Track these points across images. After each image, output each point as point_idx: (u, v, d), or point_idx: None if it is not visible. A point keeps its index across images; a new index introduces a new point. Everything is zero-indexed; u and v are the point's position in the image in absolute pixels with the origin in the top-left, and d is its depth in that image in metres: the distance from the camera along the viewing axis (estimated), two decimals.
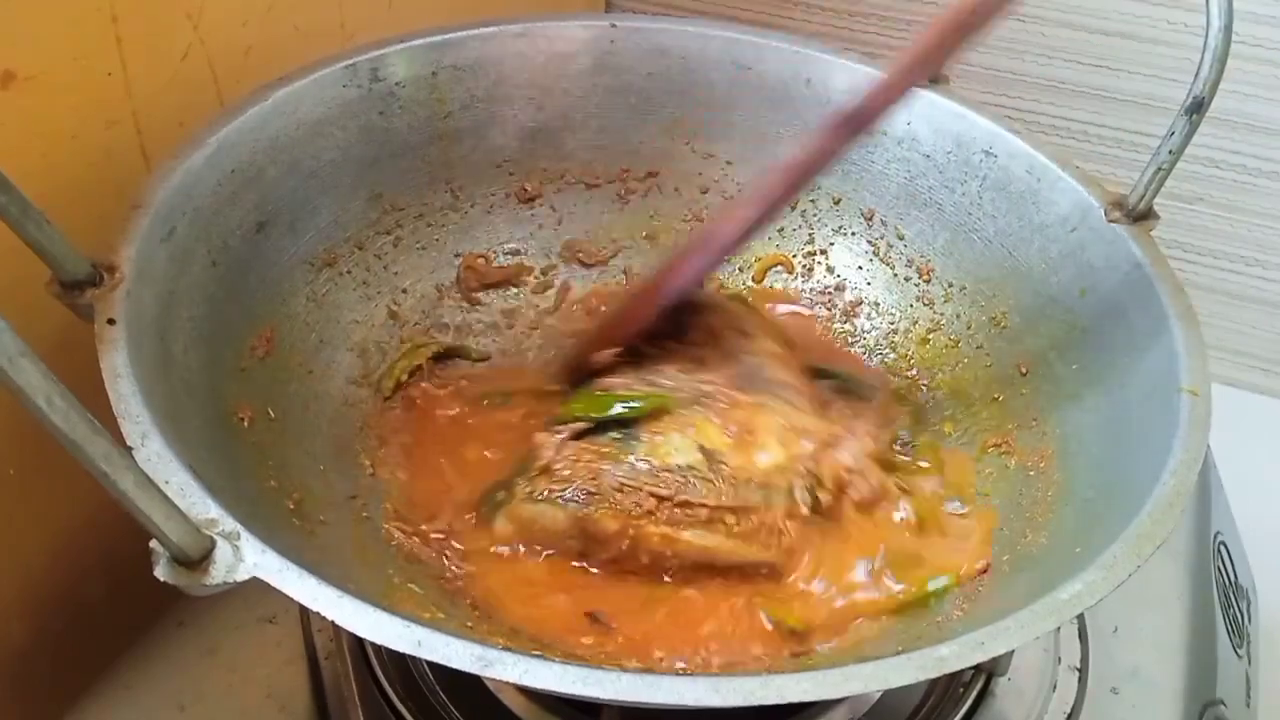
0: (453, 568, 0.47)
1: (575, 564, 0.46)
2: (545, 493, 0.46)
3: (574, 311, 0.60)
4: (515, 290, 0.60)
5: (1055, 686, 0.51)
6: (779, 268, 0.61)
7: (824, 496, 0.47)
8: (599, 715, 0.46)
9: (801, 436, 0.48)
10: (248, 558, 0.32)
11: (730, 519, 0.45)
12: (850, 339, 0.59)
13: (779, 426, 0.48)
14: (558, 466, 0.47)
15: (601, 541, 0.46)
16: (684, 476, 0.46)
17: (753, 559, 0.46)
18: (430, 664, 0.48)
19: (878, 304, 0.59)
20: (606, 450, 0.47)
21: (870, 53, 0.58)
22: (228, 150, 0.47)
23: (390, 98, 0.54)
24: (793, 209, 0.60)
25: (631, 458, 0.46)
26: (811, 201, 0.60)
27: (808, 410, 0.50)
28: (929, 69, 0.49)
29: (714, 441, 0.47)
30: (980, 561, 0.46)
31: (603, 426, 0.48)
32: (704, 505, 0.45)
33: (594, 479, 0.46)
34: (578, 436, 0.48)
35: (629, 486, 0.45)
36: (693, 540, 0.45)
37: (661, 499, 0.45)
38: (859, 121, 0.48)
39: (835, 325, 0.60)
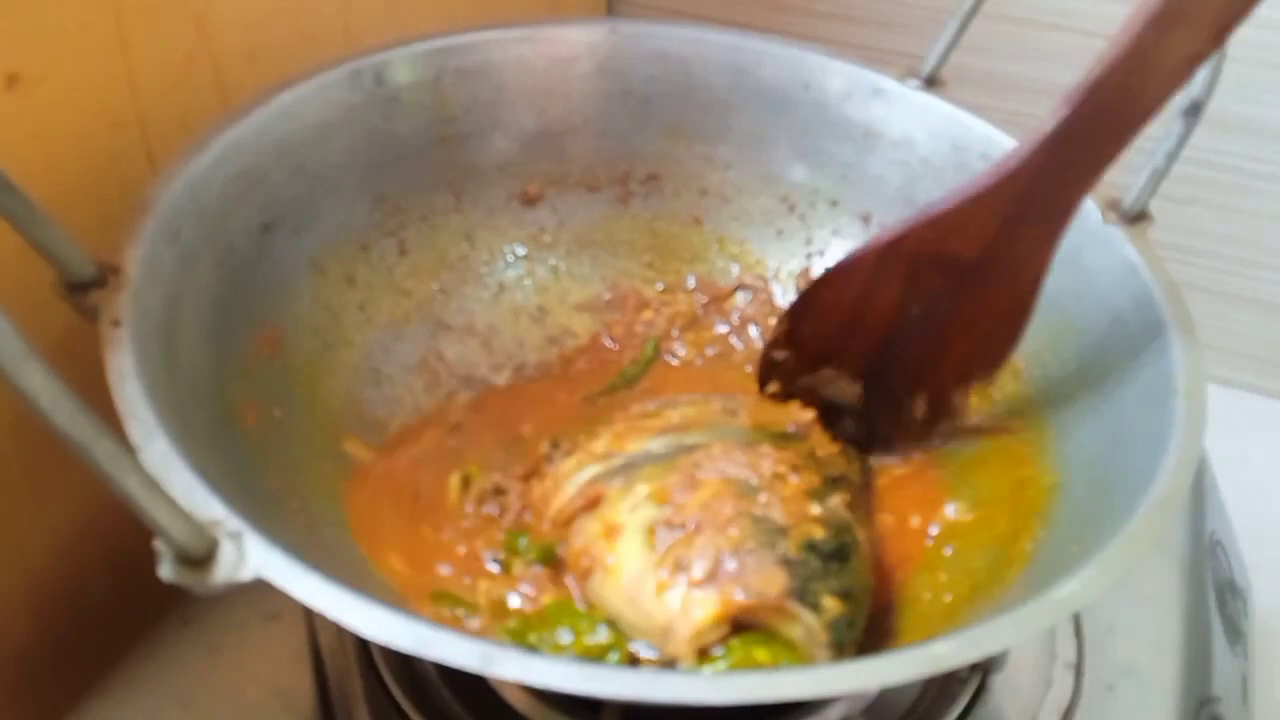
0: None
1: None
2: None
3: None
4: None
5: (1051, 684, 0.51)
6: None
7: None
8: (600, 711, 0.46)
9: None
10: (252, 557, 0.32)
11: None
12: None
13: None
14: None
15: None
16: None
17: None
18: (434, 661, 0.48)
19: None
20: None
21: (868, 58, 0.59)
22: (233, 153, 0.47)
23: (394, 102, 0.55)
24: (791, 210, 0.61)
25: None
26: (810, 204, 0.60)
27: None
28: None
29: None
30: None
31: None
32: None
33: None
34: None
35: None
36: None
37: None
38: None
39: None
